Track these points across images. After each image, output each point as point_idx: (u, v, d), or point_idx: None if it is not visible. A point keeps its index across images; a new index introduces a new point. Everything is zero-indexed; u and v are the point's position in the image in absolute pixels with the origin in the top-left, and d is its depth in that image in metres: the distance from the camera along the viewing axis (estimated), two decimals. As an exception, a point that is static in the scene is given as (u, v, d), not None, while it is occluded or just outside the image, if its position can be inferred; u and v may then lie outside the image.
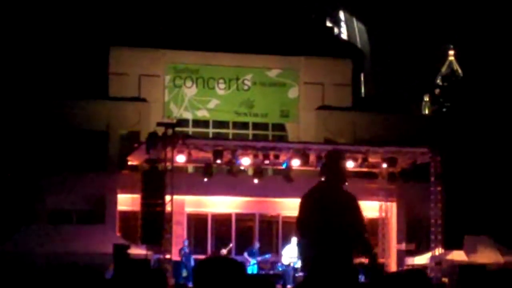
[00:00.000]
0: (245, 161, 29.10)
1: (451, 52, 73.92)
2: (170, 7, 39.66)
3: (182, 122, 35.22)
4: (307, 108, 38.52)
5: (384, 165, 30.65)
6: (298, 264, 28.82)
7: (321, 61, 39.04)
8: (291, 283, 27.94)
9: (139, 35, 37.83)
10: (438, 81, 55.42)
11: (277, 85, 38.53)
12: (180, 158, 28.15)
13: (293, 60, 38.72)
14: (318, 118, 38.43)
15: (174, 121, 31.63)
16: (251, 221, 34.66)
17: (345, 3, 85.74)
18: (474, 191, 32.68)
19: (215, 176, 29.62)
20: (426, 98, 59.52)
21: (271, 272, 29.49)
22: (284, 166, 29.63)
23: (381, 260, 31.03)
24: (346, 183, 9.02)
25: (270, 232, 34.91)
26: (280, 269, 29.20)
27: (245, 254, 29.82)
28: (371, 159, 29.66)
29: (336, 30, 72.04)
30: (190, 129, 37.45)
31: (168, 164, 27.26)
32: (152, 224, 26.53)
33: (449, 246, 29.07)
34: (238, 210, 34.39)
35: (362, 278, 19.43)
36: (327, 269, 8.09)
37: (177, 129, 28.28)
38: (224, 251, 30.09)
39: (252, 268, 29.25)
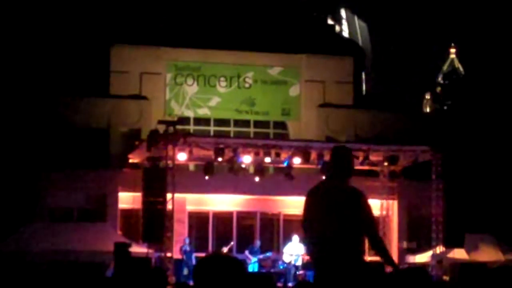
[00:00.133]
0: (246, 159, 29.11)
1: (453, 50, 73.93)
2: (171, 4, 39.64)
3: (183, 120, 35.17)
4: (308, 106, 38.50)
5: (385, 163, 30.67)
6: (299, 262, 28.86)
7: (323, 59, 39.01)
8: (292, 281, 27.94)
9: (140, 33, 37.82)
10: (440, 79, 55.51)
11: (278, 83, 38.52)
12: (181, 156, 28.15)
13: (295, 58, 38.70)
14: (320, 116, 38.41)
15: (175, 119, 31.55)
16: (252, 219, 34.66)
17: (346, 1, 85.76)
18: (475, 189, 32.71)
19: (216, 174, 29.63)
20: (428, 96, 59.52)
21: (272, 270, 29.48)
22: (285, 164, 29.63)
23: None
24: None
25: (271, 230, 34.93)
26: (281, 267, 29.20)
27: (246, 252, 29.82)
28: (373, 157, 29.65)
29: (337, 28, 72.06)
30: (191, 127, 37.45)
31: (169, 162, 27.26)
32: (153, 222, 26.53)
33: (450, 244, 29.10)
34: (239, 208, 34.40)
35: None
36: (335, 267, 8.03)
37: (178, 127, 28.23)
38: (225, 249, 30.09)
39: (253, 266, 29.25)
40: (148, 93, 37.35)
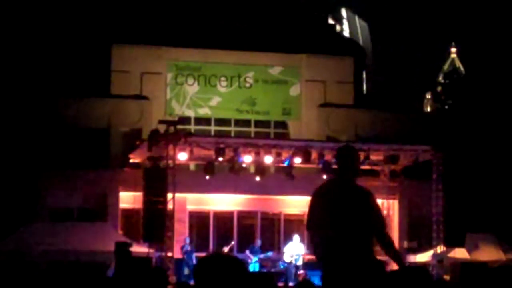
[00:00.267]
0: (247, 159, 29.12)
1: (453, 50, 73.89)
2: (172, 4, 39.63)
3: (184, 120, 35.13)
4: (309, 105, 38.50)
5: (386, 163, 30.67)
6: (300, 262, 28.86)
7: (323, 58, 39.00)
8: (293, 280, 27.94)
9: (141, 32, 37.81)
10: (440, 78, 55.41)
11: (279, 83, 38.52)
12: (182, 156, 28.17)
13: (295, 57, 38.70)
14: (320, 116, 38.41)
15: (176, 118, 31.54)
16: (253, 218, 34.67)
17: (347, 1, 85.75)
18: (475, 189, 32.69)
19: (217, 173, 29.63)
20: (428, 96, 59.45)
21: (273, 269, 29.49)
22: (286, 164, 29.63)
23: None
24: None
25: (271, 230, 34.93)
26: (282, 266, 29.20)
27: (247, 252, 29.82)
28: (373, 157, 29.65)
29: (338, 27, 72.02)
30: (192, 127, 37.45)
31: (170, 161, 27.28)
32: (154, 222, 26.54)
33: (451, 243, 29.11)
34: (240, 208, 34.40)
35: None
36: (347, 266, 7.99)
37: (179, 126, 28.23)
38: (225, 249, 30.09)
39: (254, 265, 29.25)
40: (148, 93, 37.36)
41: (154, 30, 38.09)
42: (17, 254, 26.75)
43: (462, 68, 63.00)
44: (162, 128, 27.75)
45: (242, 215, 34.64)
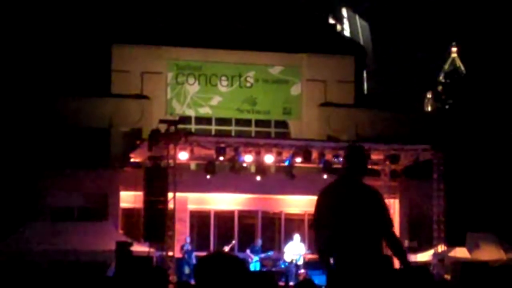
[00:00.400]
0: (248, 158, 29.10)
1: (454, 49, 73.81)
2: (173, 4, 39.63)
3: (185, 119, 35.12)
4: (309, 105, 38.51)
5: (387, 163, 30.65)
6: (301, 261, 28.85)
7: (324, 58, 39.01)
8: (294, 280, 27.93)
9: (142, 32, 37.81)
10: (441, 78, 55.42)
11: (279, 82, 38.53)
12: (183, 155, 28.15)
13: (296, 57, 38.71)
14: (321, 115, 38.42)
15: (177, 118, 31.54)
16: (254, 218, 34.67)
17: (347, 0, 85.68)
18: (476, 188, 32.70)
19: (218, 173, 29.60)
20: (429, 95, 59.41)
21: (274, 269, 29.46)
22: (286, 163, 29.62)
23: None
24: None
25: (272, 229, 34.92)
26: (283, 266, 29.18)
27: (248, 251, 29.81)
28: (374, 156, 29.62)
29: (338, 27, 71.97)
30: (193, 126, 37.47)
31: (170, 161, 27.25)
32: (155, 221, 26.51)
33: (452, 243, 29.09)
34: (240, 207, 34.40)
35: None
36: (357, 265, 7.96)
37: (180, 126, 28.21)
38: (226, 248, 30.08)
39: (254, 265, 29.25)
40: (149, 92, 37.36)
41: (154, 29, 38.09)
42: (17, 253, 26.74)
43: (462, 68, 62.96)
44: (162, 127, 27.72)
45: (243, 214, 34.64)
